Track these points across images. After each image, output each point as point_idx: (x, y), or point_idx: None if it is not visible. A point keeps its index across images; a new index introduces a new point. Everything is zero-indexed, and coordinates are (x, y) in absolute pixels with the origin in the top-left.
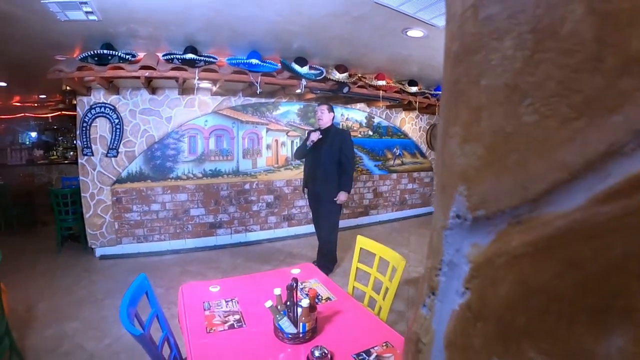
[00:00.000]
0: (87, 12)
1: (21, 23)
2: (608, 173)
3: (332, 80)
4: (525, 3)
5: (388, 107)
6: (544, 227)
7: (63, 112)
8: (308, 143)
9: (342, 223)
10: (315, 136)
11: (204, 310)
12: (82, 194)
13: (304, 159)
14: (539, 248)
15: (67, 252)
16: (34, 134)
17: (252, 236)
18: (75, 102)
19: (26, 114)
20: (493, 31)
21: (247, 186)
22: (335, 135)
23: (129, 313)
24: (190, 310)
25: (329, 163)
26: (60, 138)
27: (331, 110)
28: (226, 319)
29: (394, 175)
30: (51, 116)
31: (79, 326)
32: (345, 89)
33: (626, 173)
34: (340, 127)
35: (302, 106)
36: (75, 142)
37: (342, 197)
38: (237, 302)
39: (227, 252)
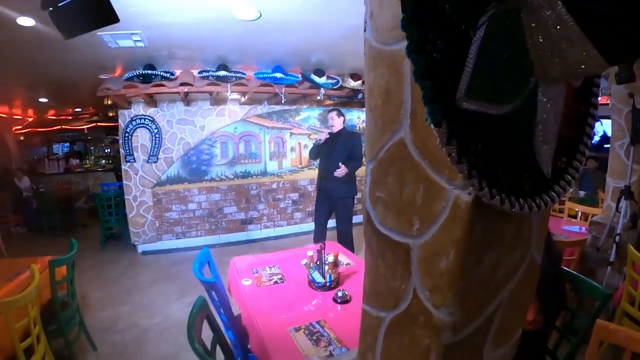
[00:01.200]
0: (136, 41)
1: (74, 49)
2: None
3: (347, 87)
4: None
5: None
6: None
7: (98, 124)
8: (317, 141)
9: (358, 218)
10: (324, 135)
11: (253, 273)
12: (126, 196)
13: (318, 159)
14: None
15: (111, 249)
16: (65, 145)
17: (280, 231)
18: (111, 115)
19: (63, 126)
20: None
21: (274, 185)
22: (346, 137)
23: (200, 270)
24: (243, 273)
25: (340, 162)
26: (92, 148)
27: (341, 114)
28: (271, 278)
29: None
30: (86, 127)
31: (130, 309)
32: (360, 95)
33: None
34: (357, 129)
35: (321, 111)
36: (106, 151)
37: (342, 170)
38: (279, 267)
39: (258, 246)
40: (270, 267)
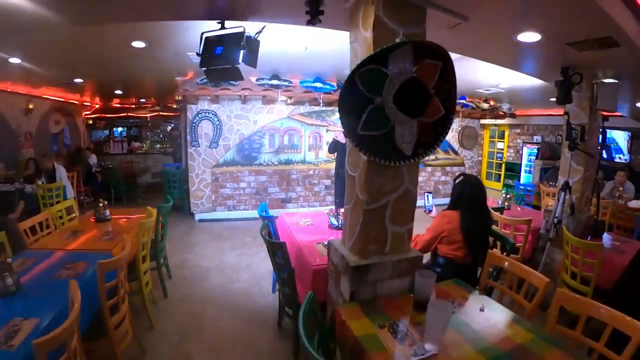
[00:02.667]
0: None
1: (164, 61)
2: None
3: None
4: None
5: None
6: None
7: (160, 113)
8: (334, 138)
9: None
10: (340, 135)
11: (295, 221)
12: (189, 174)
13: (335, 153)
14: None
15: (172, 217)
16: (124, 129)
17: (313, 210)
18: (172, 106)
19: (128, 114)
20: None
21: (310, 172)
22: None
23: (261, 212)
24: (289, 221)
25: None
26: (148, 133)
27: None
28: (305, 223)
29: (429, 169)
30: (149, 116)
31: (193, 256)
32: None
33: None
34: None
35: None
36: (160, 136)
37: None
38: (310, 219)
39: None
40: (304, 218)
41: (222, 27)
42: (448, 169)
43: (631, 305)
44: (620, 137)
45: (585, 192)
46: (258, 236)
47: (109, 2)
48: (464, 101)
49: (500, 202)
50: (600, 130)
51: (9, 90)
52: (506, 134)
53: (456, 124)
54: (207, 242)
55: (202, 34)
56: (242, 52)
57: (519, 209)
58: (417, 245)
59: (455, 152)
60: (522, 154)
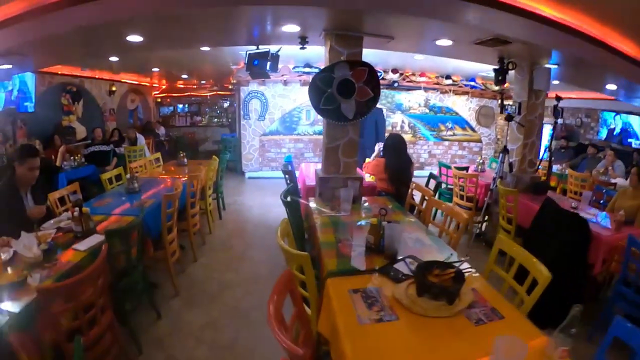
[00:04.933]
0: None
1: (221, 57)
2: None
3: (387, 78)
4: None
5: (442, 92)
6: None
7: (217, 93)
8: None
9: None
10: None
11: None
12: (242, 141)
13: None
14: None
15: (227, 175)
16: (185, 106)
17: None
18: (228, 87)
19: (191, 93)
20: None
21: None
22: (376, 112)
23: (286, 165)
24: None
25: (371, 130)
26: (207, 109)
27: None
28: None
29: (446, 143)
30: (209, 95)
31: (242, 198)
32: (395, 84)
33: None
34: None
35: None
36: (217, 112)
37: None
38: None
39: None
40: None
41: (257, 48)
42: (465, 144)
43: (534, 240)
44: (636, 122)
45: (527, 156)
46: None
47: (181, 34)
48: (473, 82)
49: (476, 167)
50: (555, 105)
51: (96, 77)
52: None
53: (473, 104)
54: (253, 191)
55: (247, 52)
56: (268, 62)
57: (489, 171)
58: (366, 169)
59: (473, 129)
60: (541, 134)
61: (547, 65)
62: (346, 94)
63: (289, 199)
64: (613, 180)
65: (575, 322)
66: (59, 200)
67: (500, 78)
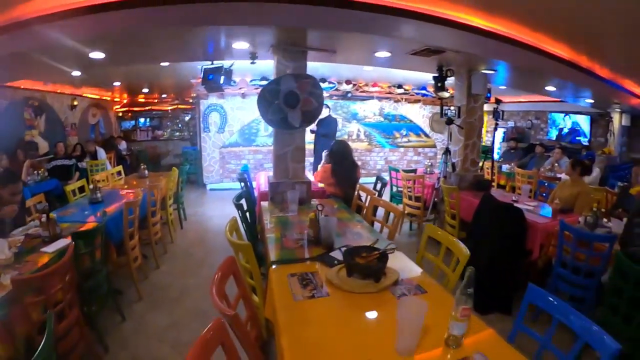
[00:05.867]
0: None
1: (181, 71)
2: None
3: (340, 90)
4: None
5: (395, 100)
6: None
7: (179, 106)
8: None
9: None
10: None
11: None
12: (202, 153)
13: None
14: None
15: (189, 187)
16: (146, 120)
17: None
18: (189, 100)
19: (152, 107)
20: None
21: None
22: (330, 121)
23: (242, 174)
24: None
25: (326, 137)
26: (168, 123)
27: (326, 107)
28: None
29: (402, 149)
30: (170, 109)
31: (203, 209)
32: (349, 95)
33: None
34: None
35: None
36: (179, 125)
37: None
38: None
39: None
40: None
41: (212, 63)
42: (420, 150)
43: (475, 232)
44: (583, 121)
45: (469, 156)
46: None
47: (141, 51)
48: (424, 91)
49: (424, 169)
50: (494, 108)
51: (58, 91)
52: (485, 119)
53: (426, 111)
54: (214, 202)
55: (202, 67)
56: (222, 77)
57: (437, 173)
58: (316, 177)
59: (427, 135)
60: (493, 138)
61: (483, 71)
62: (292, 104)
63: (241, 202)
64: (559, 176)
65: (471, 282)
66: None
67: (439, 85)
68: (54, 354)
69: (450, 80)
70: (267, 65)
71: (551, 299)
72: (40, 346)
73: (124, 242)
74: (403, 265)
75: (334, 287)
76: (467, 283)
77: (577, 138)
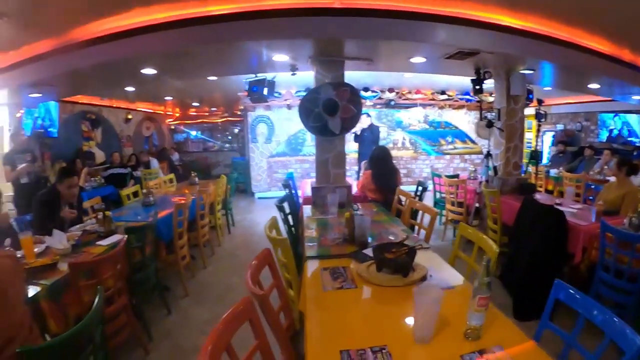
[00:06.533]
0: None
1: (230, 85)
2: None
3: (383, 98)
4: None
5: (439, 107)
6: None
7: (228, 119)
8: (356, 132)
9: (405, 188)
10: (359, 129)
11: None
12: (251, 163)
13: (357, 142)
14: None
15: (238, 196)
16: (194, 133)
17: None
18: (237, 112)
19: (203, 120)
20: None
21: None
22: (372, 129)
23: (287, 180)
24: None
25: (369, 145)
26: (218, 135)
27: (368, 116)
28: None
29: (447, 157)
30: (220, 121)
31: (251, 216)
32: (392, 103)
33: None
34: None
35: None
36: (229, 137)
37: None
38: None
39: None
40: None
41: (255, 76)
42: (467, 156)
43: (517, 236)
44: (634, 121)
45: (511, 159)
46: None
47: (188, 66)
48: (467, 96)
49: (468, 174)
50: (537, 109)
51: (114, 105)
52: (533, 124)
53: (472, 116)
54: (261, 209)
55: (247, 79)
56: (265, 88)
57: (481, 178)
58: (358, 186)
59: (473, 142)
60: (542, 141)
61: (521, 71)
62: (331, 112)
63: (284, 204)
64: (608, 178)
65: (486, 271)
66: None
67: (477, 87)
68: (100, 327)
69: (490, 84)
70: (310, 77)
71: (572, 291)
72: (89, 314)
73: (173, 241)
74: (434, 263)
75: (363, 280)
76: (484, 273)
77: (629, 139)
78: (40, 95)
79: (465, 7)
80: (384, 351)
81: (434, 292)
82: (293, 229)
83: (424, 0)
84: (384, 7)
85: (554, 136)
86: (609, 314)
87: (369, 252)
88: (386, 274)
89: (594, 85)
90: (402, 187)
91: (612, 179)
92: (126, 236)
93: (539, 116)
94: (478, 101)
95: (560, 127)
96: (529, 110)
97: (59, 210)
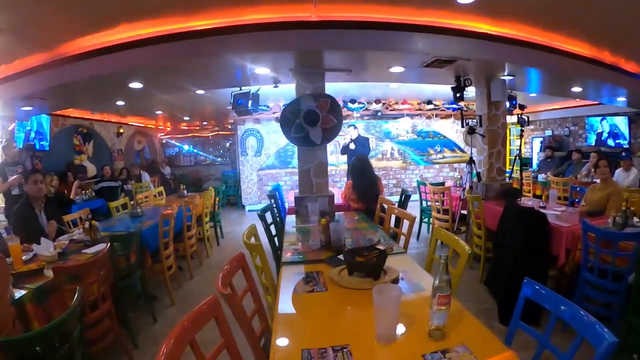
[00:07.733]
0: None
1: (217, 98)
2: None
3: (370, 109)
4: None
5: (427, 117)
6: None
7: (219, 133)
8: (344, 144)
9: (395, 198)
10: (347, 141)
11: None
12: (241, 176)
13: (346, 155)
14: None
15: (228, 208)
16: (186, 147)
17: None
18: (228, 126)
19: (194, 134)
20: None
21: (333, 172)
22: (361, 140)
23: (272, 191)
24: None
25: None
26: (210, 149)
27: (355, 128)
28: None
29: (437, 166)
30: (211, 135)
31: (240, 228)
32: (379, 114)
33: None
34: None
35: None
36: (221, 151)
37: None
38: None
39: None
40: None
41: (240, 89)
42: (456, 165)
43: (500, 240)
44: (621, 123)
45: (494, 165)
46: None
47: (174, 81)
48: (454, 105)
49: (454, 182)
50: (519, 114)
51: (105, 119)
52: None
53: (459, 125)
54: (251, 221)
55: (232, 92)
56: (250, 101)
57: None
58: (342, 198)
59: (462, 150)
60: (531, 147)
61: (501, 77)
62: (312, 122)
63: (266, 214)
64: (595, 180)
65: (444, 269)
66: (72, 223)
67: (458, 95)
68: (79, 326)
69: (472, 92)
70: None
71: (537, 287)
72: (67, 310)
73: (159, 250)
74: (408, 267)
75: (334, 284)
76: (443, 271)
77: (617, 141)
78: (32, 108)
79: (442, 16)
80: (345, 350)
81: (393, 290)
82: (276, 238)
83: (400, 11)
84: (359, 19)
85: (542, 142)
86: (576, 308)
87: (342, 257)
88: (357, 277)
89: (577, 89)
90: (389, 197)
91: (598, 180)
92: (109, 243)
93: (521, 121)
94: (459, 108)
95: (548, 132)
96: (514, 118)
97: (36, 218)
